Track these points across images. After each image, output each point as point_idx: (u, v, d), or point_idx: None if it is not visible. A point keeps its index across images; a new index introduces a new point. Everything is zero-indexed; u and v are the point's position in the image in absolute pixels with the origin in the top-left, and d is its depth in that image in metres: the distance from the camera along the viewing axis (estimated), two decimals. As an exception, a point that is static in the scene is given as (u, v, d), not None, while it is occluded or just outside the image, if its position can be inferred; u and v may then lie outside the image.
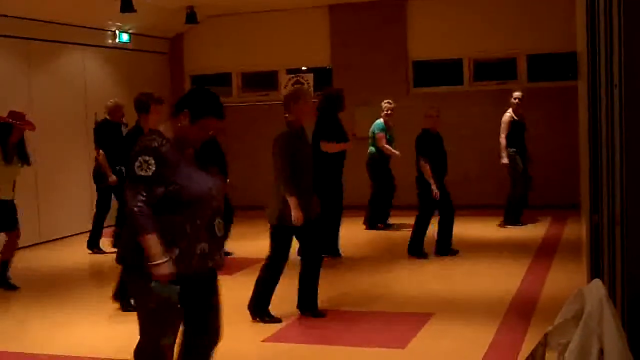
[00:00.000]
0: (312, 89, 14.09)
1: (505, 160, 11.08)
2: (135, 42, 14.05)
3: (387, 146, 11.23)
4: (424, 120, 9.42)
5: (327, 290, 7.56)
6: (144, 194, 3.99)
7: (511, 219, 11.29)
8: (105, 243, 10.55)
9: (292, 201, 6.57)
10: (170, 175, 4.02)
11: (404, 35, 13.86)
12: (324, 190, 9.42)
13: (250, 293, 7.22)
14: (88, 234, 10.75)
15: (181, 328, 4.28)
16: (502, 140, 11.11)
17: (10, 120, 8.39)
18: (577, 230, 10.27)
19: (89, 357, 6.11)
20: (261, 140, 14.00)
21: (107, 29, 13.33)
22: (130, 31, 13.78)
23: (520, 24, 13.19)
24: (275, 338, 6.45)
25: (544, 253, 9.49)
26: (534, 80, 13.43)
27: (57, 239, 11.77)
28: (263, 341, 6.36)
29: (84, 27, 12.61)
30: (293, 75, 14.59)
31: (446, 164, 9.36)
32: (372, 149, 11.42)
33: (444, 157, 9.36)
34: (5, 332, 6.99)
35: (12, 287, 8.48)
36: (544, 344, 3.33)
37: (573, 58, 11.44)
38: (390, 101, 11.40)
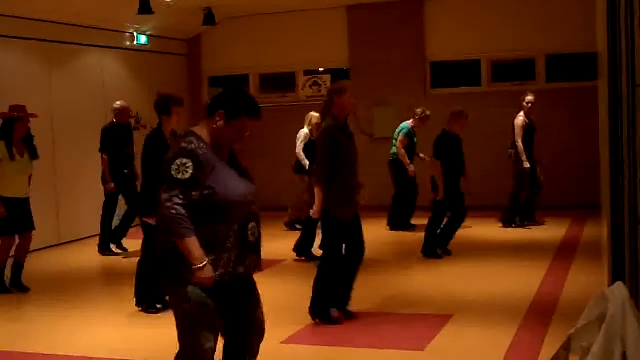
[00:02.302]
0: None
1: (527, 165, 10.96)
2: (153, 44, 14.10)
3: (403, 153, 11.24)
4: (451, 121, 9.38)
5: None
6: (181, 197, 3.90)
7: (508, 219, 11.34)
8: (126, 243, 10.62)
9: (318, 192, 6.50)
10: (207, 179, 3.95)
11: (421, 35, 13.83)
12: None
13: (270, 293, 7.22)
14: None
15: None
16: (520, 144, 11.01)
17: (15, 114, 8.25)
18: (597, 231, 10.20)
19: (106, 358, 6.14)
20: (279, 142, 14.11)
21: (125, 30, 13.39)
22: (148, 33, 13.83)
23: (538, 24, 13.11)
24: (293, 340, 6.44)
25: (563, 254, 9.43)
26: (553, 81, 13.35)
27: (75, 240, 11.81)
28: (282, 343, 6.36)
29: (103, 29, 12.67)
30: (311, 77, 14.60)
31: (464, 165, 9.33)
32: (395, 149, 11.41)
33: (461, 158, 9.34)
34: (23, 333, 7.02)
35: (24, 289, 8.46)
36: (567, 348, 3.30)
37: (592, 58, 11.36)
38: (425, 110, 11.40)
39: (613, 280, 3.75)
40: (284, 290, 8.27)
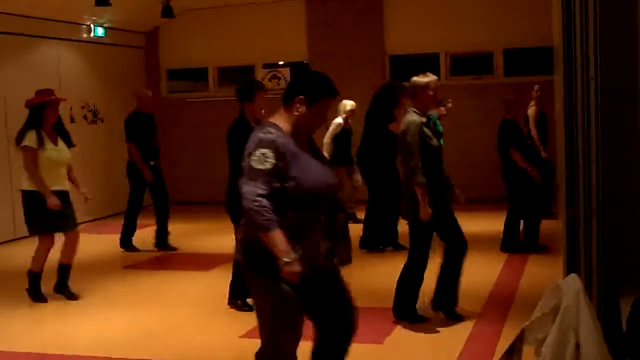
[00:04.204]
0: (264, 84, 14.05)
1: (545, 154, 10.72)
2: (111, 36, 13.94)
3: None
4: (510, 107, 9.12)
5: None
6: (264, 188, 3.76)
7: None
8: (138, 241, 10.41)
9: (420, 193, 6.12)
10: (289, 168, 3.82)
11: (380, 29, 13.87)
12: (378, 181, 9.34)
13: (226, 288, 7.18)
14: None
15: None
16: (535, 134, 10.70)
17: (47, 98, 7.58)
18: (554, 223, 10.31)
19: (60, 354, 6.07)
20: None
21: (82, 22, 13.21)
22: (105, 25, 13.67)
23: (496, 19, 13.23)
24: (252, 333, 6.40)
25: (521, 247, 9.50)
26: (510, 75, 13.47)
27: (30, 236, 11.61)
28: (241, 337, 6.33)
29: (59, 20, 12.49)
30: (270, 70, 14.55)
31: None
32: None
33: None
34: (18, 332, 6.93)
35: (71, 296, 7.73)
36: (521, 339, 3.33)
37: (549, 52, 11.46)
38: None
39: (568, 272, 3.79)
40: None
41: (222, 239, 10.82)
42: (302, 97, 3.93)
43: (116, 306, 7.52)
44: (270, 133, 3.87)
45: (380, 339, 6.09)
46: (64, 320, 7.15)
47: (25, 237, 11.46)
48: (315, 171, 3.91)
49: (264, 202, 3.75)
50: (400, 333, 6.28)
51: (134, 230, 10.37)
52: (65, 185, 7.59)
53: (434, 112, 11.01)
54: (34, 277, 7.69)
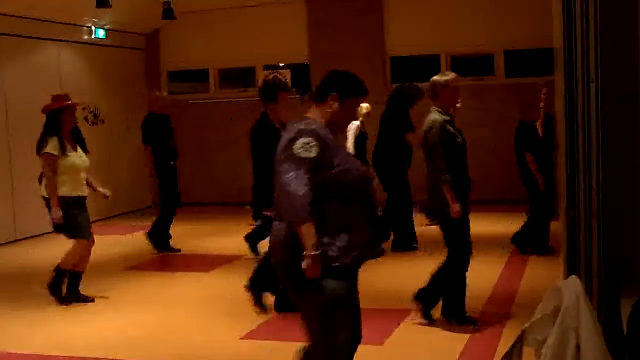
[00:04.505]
0: (289, 85, 14.07)
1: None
2: (112, 38, 13.95)
3: None
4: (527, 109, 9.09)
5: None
6: (309, 177, 3.74)
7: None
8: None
9: (448, 191, 6.08)
10: (333, 157, 3.84)
11: (381, 30, 13.87)
12: (393, 184, 9.36)
13: (226, 290, 7.19)
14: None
15: None
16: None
17: (64, 103, 7.46)
18: (555, 225, 10.30)
19: (63, 356, 6.07)
20: (239, 137, 14.06)
21: (83, 24, 13.22)
22: (106, 27, 13.68)
23: (497, 20, 13.24)
24: (252, 335, 6.43)
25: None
26: (511, 76, 13.47)
27: (31, 237, 11.65)
28: (241, 339, 6.34)
29: (60, 22, 12.50)
30: (270, 72, 14.56)
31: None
32: None
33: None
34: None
35: (87, 300, 7.68)
36: (521, 341, 3.33)
37: (549, 54, 11.45)
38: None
39: (568, 273, 3.79)
40: (243, 286, 8.24)
41: (223, 240, 10.84)
42: (335, 94, 4.02)
43: (117, 307, 7.53)
44: (311, 125, 3.93)
45: (381, 340, 6.10)
46: (64, 321, 7.15)
47: (26, 238, 11.53)
48: (354, 164, 4.01)
49: (309, 190, 3.73)
50: (400, 334, 6.29)
51: (167, 230, 10.27)
52: (85, 191, 7.60)
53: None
54: (61, 274, 7.66)
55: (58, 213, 7.31)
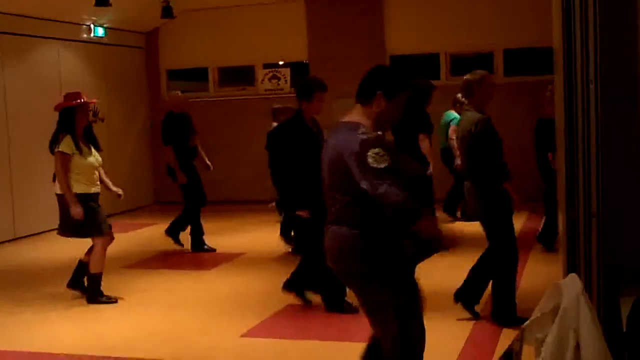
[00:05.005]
0: (289, 83, 14.11)
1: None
2: (111, 37, 13.95)
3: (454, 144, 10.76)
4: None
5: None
6: (393, 182, 3.70)
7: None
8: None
9: (510, 187, 6.11)
10: (399, 162, 3.82)
11: (381, 29, 13.88)
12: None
13: (227, 288, 7.20)
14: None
15: None
16: None
17: (78, 100, 7.39)
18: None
19: (65, 354, 6.08)
20: (239, 135, 14.10)
21: (82, 23, 13.22)
22: (105, 25, 13.68)
23: (496, 19, 13.24)
24: (252, 333, 6.44)
25: (521, 246, 9.49)
26: (511, 75, 13.49)
27: (30, 235, 11.66)
28: (241, 336, 6.36)
29: (59, 21, 12.50)
30: (270, 70, 14.57)
31: None
32: (445, 143, 11.28)
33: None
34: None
35: (112, 301, 7.61)
36: (520, 339, 3.34)
37: (548, 53, 11.45)
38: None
39: (568, 272, 3.81)
40: (243, 284, 8.27)
41: (223, 238, 10.84)
42: (381, 92, 3.92)
43: (117, 305, 7.52)
44: (366, 133, 3.84)
45: (380, 339, 6.10)
46: (63, 320, 7.16)
47: (25, 236, 11.54)
48: (412, 164, 4.00)
49: (405, 193, 3.69)
50: (400, 333, 6.29)
51: (201, 230, 10.15)
52: (99, 189, 7.60)
53: (452, 111, 11.08)
54: (96, 279, 7.62)
55: (77, 208, 7.27)
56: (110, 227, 7.66)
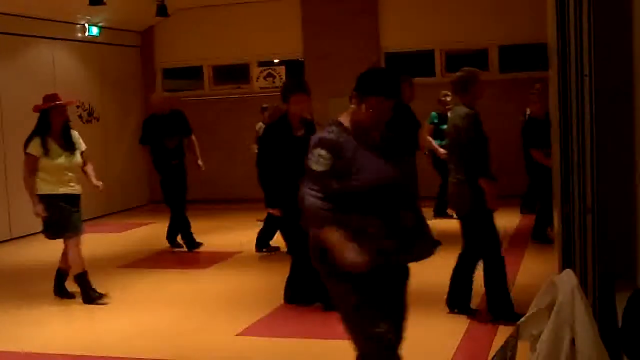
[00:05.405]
0: (283, 81, 14.08)
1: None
2: (106, 36, 13.93)
3: (429, 138, 10.88)
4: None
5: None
6: (316, 189, 3.71)
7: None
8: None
9: (486, 184, 6.07)
10: (350, 166, 3.75)
11: (375, 26, 13.87)
12: None
13: (222, 287, 7.18)
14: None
15: None
16: None
17: (53, 102, 7.42)
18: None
19: (62, 354, 6.07)
20: (234, 133, 14.07)
21: (76, 22, 13.20)
22: (100, 24, 13.66)
23: (491, 15, 13.25)
24: (249, 332, 6.44)
25: (516, 243, 9.53)
26: (506, 71, 13.49)
27: (26, 235, 11.62)
28: (237, 335, 6.35)
29: (53, 20, 12.47)
30: (265, 68, 14.56)
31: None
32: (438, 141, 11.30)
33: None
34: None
35: (102, 296, 7.62)
36: (515, 336, 3.34)
37: (543, 49, 11.45)
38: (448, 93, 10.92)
39: (563, 268, 3.80)
40: (240, 282, 8.26)
41: (218, 237, 10.83)
42: (355, 92, 3.90)
43: (113, 305, 7.51)
44: (331, 132, 3.84)
45: (377, 336, 6.10)
46: (60, 319, 7.16)
47: (22, 237, 11.51)
48: (371, 169, 3.79)
49: (317, 202, 3.70)
50: (396, 330, 6.29)
51: (184, 227, 10.19)
52: (76, 190, 7.55)
53: (445, 108, 11.09)
54: (82, 279, 7.61)
55: (36, 208, 7.40)
56: (80, 227, 7.61)
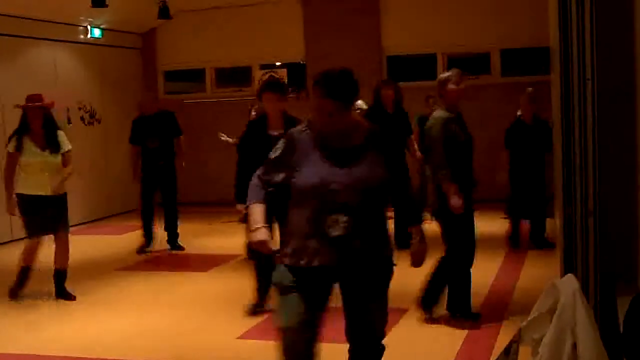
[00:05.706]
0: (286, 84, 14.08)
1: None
2: (108, 38, 13.93)
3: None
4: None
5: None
6: (262, 172, 4.02)
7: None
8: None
9: (446, 186, 6.07)
10: (296, 163, 3.88)
11: (377, 29, 13.87)
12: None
13: (223, 289, 7.17)
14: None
15: None
16: None
17: (28, 103, 7.52)
18: (551, 222, 10.31)
19: (59, 356, 6.06)
20: (235, 135, 14.01)
21: (78, 24, 13.20)
22: (102, 26, 13.66)
23: (493, 19, 13.23)
24: (249, 335, 6.42)
25: (518, 247, 9.52)
26: (508, 75, 13.48)
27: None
28: (238, 338, 6.33)
29: (55, 22, 12.47)
30: (266, 71, 14.56)
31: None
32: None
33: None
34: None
35: (69, 297, 7.74)
36: (517, 340, 3.33)
37: (545, 53, 11.45)
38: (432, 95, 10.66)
39: (565, 271, 3.80)
40: (239, 285, 8.23)
41: (220, 240, 10.82)
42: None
43: (113, 307, 7.51)
44: (298, 129, 4.04)
45: (377, 339, 6.08)
46: (59, 321, 7.15)
47: (22, 238, 11.48)
48: (309, 170, 3.84)
49: (256, 181, 4.03)
50: (398, 332, 6.27)
51: (147, 233, 10.26)
52: (48, 191, 7.50)
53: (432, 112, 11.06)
54: (21, 272, 7.87)
55: (9, 206, 7.58)
56: (43, 233, 7.72)
